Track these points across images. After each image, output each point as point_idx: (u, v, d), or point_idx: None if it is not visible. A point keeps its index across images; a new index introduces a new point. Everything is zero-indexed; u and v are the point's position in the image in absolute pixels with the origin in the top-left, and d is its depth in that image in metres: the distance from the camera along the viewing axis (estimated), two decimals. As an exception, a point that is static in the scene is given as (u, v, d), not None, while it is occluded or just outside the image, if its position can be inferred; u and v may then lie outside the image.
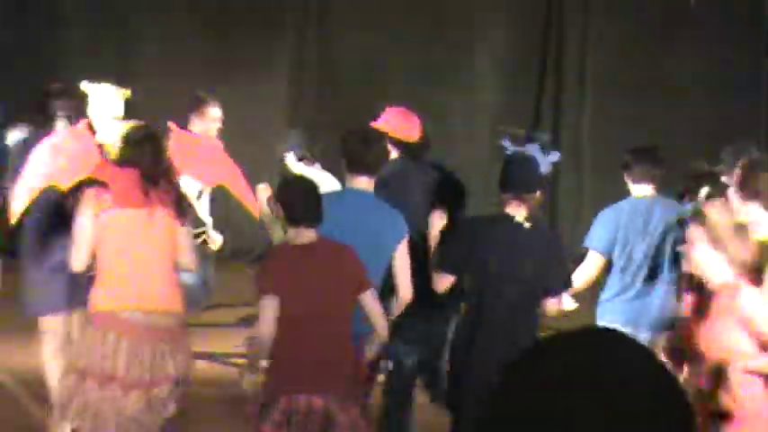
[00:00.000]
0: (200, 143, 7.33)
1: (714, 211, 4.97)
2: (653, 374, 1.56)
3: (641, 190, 6.66)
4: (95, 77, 6.51)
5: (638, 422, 1.52)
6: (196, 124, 7.64)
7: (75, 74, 9.76)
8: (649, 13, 13.07)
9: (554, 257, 5.79)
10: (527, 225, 5.70)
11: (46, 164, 6.06)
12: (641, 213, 6.68)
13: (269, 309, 5.20)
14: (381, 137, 6.13)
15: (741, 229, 4.85)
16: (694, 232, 4.91)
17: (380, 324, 5.53)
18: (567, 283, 5.96)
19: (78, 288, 6.02)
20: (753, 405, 4.79)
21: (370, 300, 5.48)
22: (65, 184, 5.91)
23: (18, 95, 8.57)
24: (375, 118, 6.45)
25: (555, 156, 6.42)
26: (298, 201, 5.39)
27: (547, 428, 1.50)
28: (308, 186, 5.57)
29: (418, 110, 6.76)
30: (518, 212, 5.68)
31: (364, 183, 5.85)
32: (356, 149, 5.87)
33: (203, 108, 7.73)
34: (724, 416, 4.72)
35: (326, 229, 5.47)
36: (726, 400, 4.69)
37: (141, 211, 5.51)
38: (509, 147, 6.22)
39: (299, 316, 5.32)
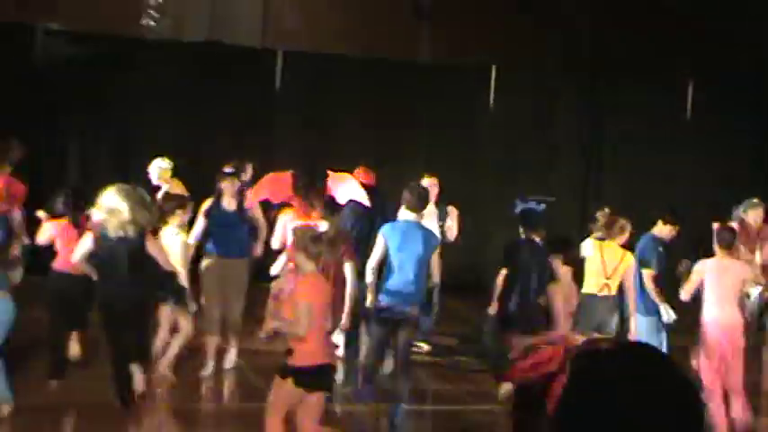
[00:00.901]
0: (344, 179, 10.81)
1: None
2: (678, 382, 1.81)
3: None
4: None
5: (667, 419, 1.76)
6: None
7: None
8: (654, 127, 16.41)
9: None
10: (540, 243, 9.66)
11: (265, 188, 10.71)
12: None
13: (282, 264, 9.00)
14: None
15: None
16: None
17: (351, 286, 8.70)
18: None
19: None
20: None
21: (349, 269, 8.81)
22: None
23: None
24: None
25: (543, 206, 10.58)
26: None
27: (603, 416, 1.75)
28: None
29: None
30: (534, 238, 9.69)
31: (412, 216, 8.85)
32: (409, 198, 8.89)
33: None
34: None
35: (396, 242, 8.57)
36: None
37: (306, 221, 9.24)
38: (518, 205, 10.52)
39: None
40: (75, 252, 8.80)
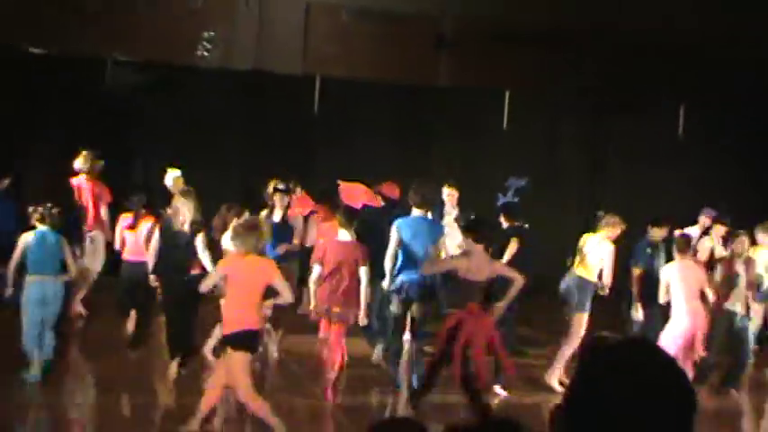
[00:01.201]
0: (354, 187, 12.05)
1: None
2: (670, 370, 1.94)
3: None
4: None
5: (658, 403, 1.87)
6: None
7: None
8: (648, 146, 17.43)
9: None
10: (527, 227, 11.22)
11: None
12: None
13: (315, 272, 9.82)
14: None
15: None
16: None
17: (365, 285, 9.69)
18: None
19: None
20: None
21: (363, 272, 9.72)
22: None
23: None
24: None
25: (517, 198, 11.86)
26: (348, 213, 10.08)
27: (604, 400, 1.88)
28: (351, 209, 10.41)
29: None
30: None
31: (420, 212, 10.19)
32: (414, 197, 10.16)
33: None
34: None
35: (408, 234, 9.89)
36: None
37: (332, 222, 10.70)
38: (500, 198, 11.85)
39: (333, 267, 9.77)
40: (151, 244, 10.52)
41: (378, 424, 2.70)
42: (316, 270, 10.07)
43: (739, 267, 11.48)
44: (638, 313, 11.38)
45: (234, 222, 10.68)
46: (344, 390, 10.43)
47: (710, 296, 11.08)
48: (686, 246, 11.06)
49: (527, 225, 11.33)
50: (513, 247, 11.19)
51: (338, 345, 10.11)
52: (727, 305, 11.34)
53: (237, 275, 8.27)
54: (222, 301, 8.81)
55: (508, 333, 11.05)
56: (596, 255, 10.84)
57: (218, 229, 10.96)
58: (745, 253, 11.48)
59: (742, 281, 11.42)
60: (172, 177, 13.04)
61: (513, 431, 2.08)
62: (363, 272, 9.94)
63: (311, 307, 10.43)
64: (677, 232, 11.46)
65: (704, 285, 11.03)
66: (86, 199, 12.70)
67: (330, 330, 10.22)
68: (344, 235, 10.16)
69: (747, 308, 11.61)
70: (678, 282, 10.85)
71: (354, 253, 10.08)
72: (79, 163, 12.68)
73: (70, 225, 11.17)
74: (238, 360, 8.18)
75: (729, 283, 11.27)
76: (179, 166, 13.99)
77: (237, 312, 8.19)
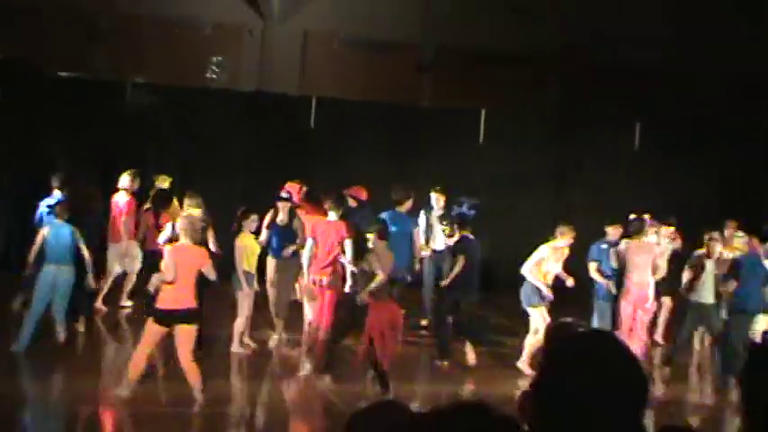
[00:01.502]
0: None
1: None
2: (631, 363, 2.03)
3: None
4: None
5: (614, 384, 1.97)
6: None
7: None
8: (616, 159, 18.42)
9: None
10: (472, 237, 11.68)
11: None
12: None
13: (308, 246, 11.15)
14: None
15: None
16: None
17: (349, 256, 10.84)
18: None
19: None
20: None
21: (348, 244, 10.93)
22: None
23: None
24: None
25: (473, 212, 12.88)
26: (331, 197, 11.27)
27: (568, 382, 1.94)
28: (340, 195, 11.55)
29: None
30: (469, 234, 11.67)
31: (401, 208, 12.00)
32: (394, 196, 11.99)
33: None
34: None
35: (394, 229, 10.96)
36: None
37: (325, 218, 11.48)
38: (455, 210, 12.52)
39: (322, 243, 10.87)
40: (160, 237, 11.76)
41: (366, 407, 2.72)
42: (309, 243, 11.13)
43: (710, 265, 12.13)
44: (613, 288, 12.34)
45: (243, 223, 11.95)
46: (335, 373, 11.05)
47: (663, 269, 12.18)
48: (641, 228, 12.20)
49: (472, 236, 12.06)
50: (460, 264, 11.84)
51: (329, 310, 11.24)
52: (693, 297, 12.10)
53: (179, 262, 9.15)
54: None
55: (479, 326, 12.32)
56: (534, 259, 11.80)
57: (235, 230, 12.02)
58: (716, 254, 12.18)
59: (710, 277, 12.07)
60: (162, 182, 14.31)
61: (485, 415, 2.04)
62: (347, 244, 11.14)
63: (303, 282, 11.66)
64: (632, 216, 12.53)
65: (654, 263, 12.11)
66: (119, 214, 13.67)
67: (322, 300, 11.37)
68: (332, 216, 11.34)
69: (718, 298, 12.20)
70: (631, 258, 11.98)
71: (340, 230, 11.35)
72: (125, 181, 13.68)
73: (91, 231, 12.23)
74: (188, 331, 9.18)
75: (696, 277, 12.03)
76: (188, 174, 15.44)
77: (178, 292, 9.09)
